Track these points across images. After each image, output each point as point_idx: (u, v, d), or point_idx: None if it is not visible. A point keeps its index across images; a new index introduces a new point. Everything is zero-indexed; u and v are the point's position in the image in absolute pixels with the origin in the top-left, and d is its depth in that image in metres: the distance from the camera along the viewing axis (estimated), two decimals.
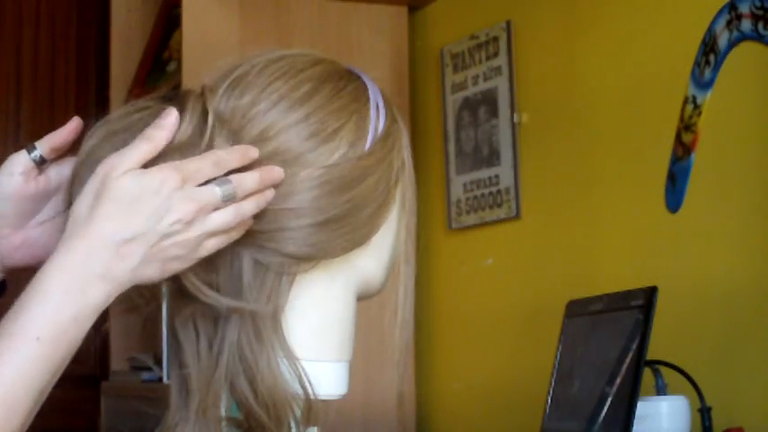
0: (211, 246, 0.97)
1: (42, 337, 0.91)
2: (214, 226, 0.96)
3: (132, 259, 0.94)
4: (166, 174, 0.94)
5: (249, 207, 0.98)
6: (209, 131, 0.98)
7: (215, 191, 0.96)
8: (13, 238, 1.08)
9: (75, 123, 1.06)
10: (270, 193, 0.99)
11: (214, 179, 0.96)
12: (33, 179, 1.07)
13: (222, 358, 0.99)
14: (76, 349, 0.94)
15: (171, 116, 0.97)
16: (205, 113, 0.99)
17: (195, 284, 0.98)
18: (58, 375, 0.93)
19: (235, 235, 0.98)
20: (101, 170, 0.95)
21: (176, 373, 1.02)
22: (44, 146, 1.07)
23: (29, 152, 1.06)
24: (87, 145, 1.01)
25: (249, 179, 0.97)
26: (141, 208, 0.93)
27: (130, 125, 1.00)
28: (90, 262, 0.93)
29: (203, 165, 0.96)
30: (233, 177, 0.97)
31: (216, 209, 0.96)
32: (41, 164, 1.07)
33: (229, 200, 0.96)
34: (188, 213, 0.94)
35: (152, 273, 0.95)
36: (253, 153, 0.98)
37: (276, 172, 0.99)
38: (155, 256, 0.94)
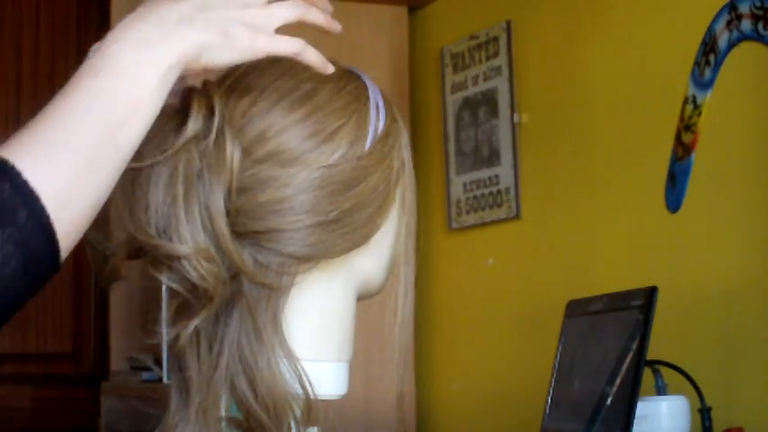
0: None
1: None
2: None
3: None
4: None
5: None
6: (215, 127, 0.97)
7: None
8: None
9: None
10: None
11: None
12: None
13: (222, 358, 0.99)
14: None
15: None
16: (210, 109, 0.98)
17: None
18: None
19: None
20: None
21: (176, 373, 1.02)
22: None
23: None
24: None
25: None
26: None
27: (153, 134, 0.98)
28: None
29: None
30: None
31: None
32: None
33: None
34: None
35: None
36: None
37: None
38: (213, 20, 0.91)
